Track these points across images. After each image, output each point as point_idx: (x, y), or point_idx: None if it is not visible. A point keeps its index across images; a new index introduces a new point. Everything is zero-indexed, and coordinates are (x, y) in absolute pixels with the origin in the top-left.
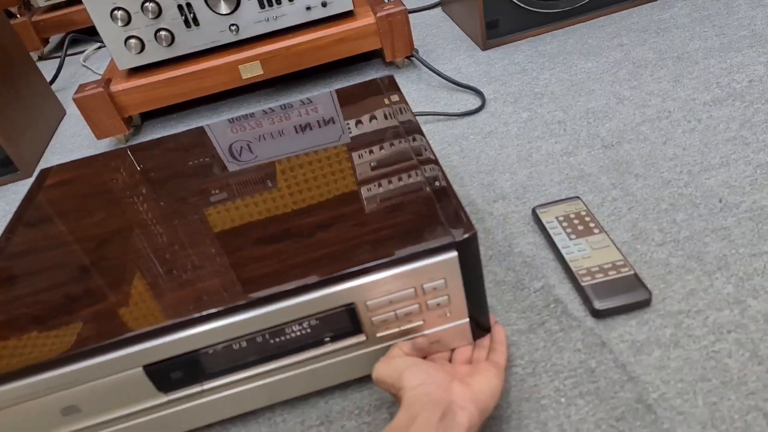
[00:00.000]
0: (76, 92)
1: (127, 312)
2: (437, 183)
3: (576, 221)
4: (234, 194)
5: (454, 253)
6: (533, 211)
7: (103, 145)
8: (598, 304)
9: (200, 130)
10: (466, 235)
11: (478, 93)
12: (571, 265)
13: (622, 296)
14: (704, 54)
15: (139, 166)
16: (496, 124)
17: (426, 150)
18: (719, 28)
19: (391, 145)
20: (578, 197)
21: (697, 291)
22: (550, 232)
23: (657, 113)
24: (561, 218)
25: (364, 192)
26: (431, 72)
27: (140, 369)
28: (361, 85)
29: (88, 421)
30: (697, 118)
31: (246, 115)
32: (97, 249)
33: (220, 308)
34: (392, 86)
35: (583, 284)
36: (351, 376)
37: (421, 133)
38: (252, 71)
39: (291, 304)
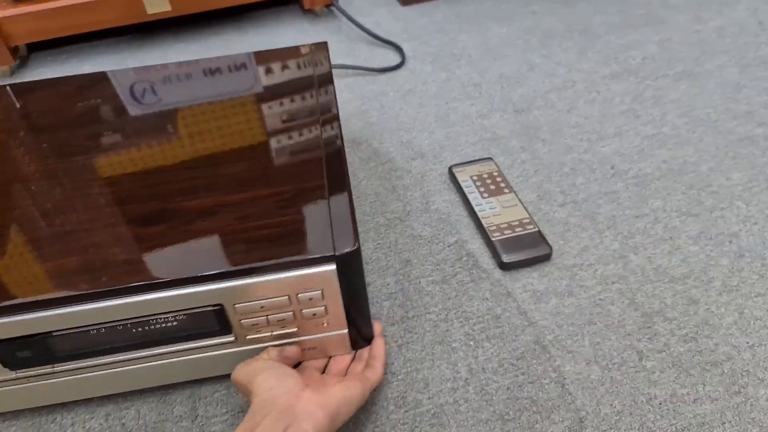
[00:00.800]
0: None
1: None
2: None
3: (488, 181)
4: (116, 149)
5: (332, 266)
6: (449, 170)
7: None
8: (506, 258)
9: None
10: (346, 250)
11: (398, 49)
12: (483, 221)
13: (527, 251)
14: (606, 29)
15: (15, 109)
16: (415, 83)
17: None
18: (620, 4)
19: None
20: (491, 158)
21: (589, 247)
22: (465, 190)
23: (563, 82)
24: (475, 178)
25: (256, 161)
26: (351, 24)
27: None
28: (289, 50)
29: None
30: (597, 90)
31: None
32: None
33: (73, 293)
34: (321, 53)
35: (493, 239)
36: (219, 372)
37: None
38: (158, 6)
39: (152, 297)
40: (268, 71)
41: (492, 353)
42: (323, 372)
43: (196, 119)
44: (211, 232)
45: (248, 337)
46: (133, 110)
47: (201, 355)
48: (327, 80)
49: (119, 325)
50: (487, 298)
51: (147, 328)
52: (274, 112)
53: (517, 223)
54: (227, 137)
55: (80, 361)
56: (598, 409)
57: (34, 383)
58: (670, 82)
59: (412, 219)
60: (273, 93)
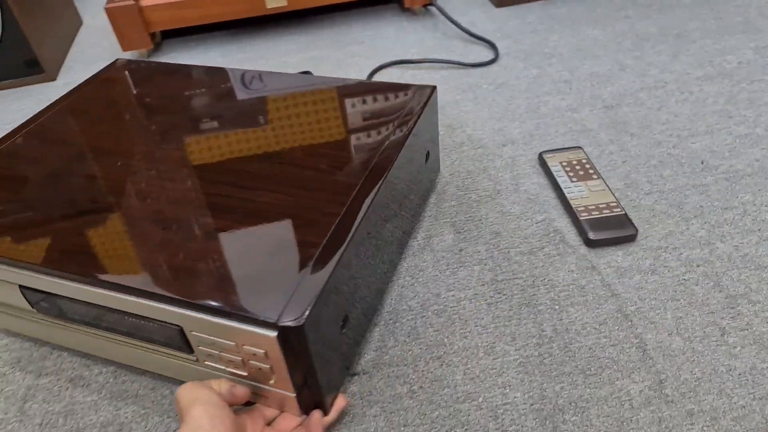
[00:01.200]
0: (108, 2)
1: (17, 239)
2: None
3: (577, 167)
4: (188, 144)
5: (273, 333)
6: (540, 155)
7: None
8: (592, 235)
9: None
10: (288, 323)
11: (492, 46)
12: (571, 202)
13: (613, 230)
14: (701, 34)
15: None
16: (507, 77)
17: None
18: (717, 12)
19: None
20: (580, 147)
21: (675, 233)
22: (554, 174)
23: (654, 82)
24: (564, 163)
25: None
26: (447, 23)
27: (17, 286)
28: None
29: None
30: (689, 90)
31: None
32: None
33: (67, 272)
34: (419, 99)
35: (580, 218)
36: (189, 379)
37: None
38: (277, 1)
39: (125, 298)
40: (358, 102)
41: (576, 317)
42: (270, 423)
43: (267, 137)
44: (197, 257)
45: (206, 362)
46: (227, 108)
47: (172, 360)
48: (403, 138)
49: (106, 309)
50: (572, 270)
51: (128, 319)
52: (334, 151)
53: (604, 205)
54: (284, 161)
55: (78, 324)
56: (678, 374)
57: (49, 323)
58: (766, 87)
59: (502, 197)
60: (347, 128)
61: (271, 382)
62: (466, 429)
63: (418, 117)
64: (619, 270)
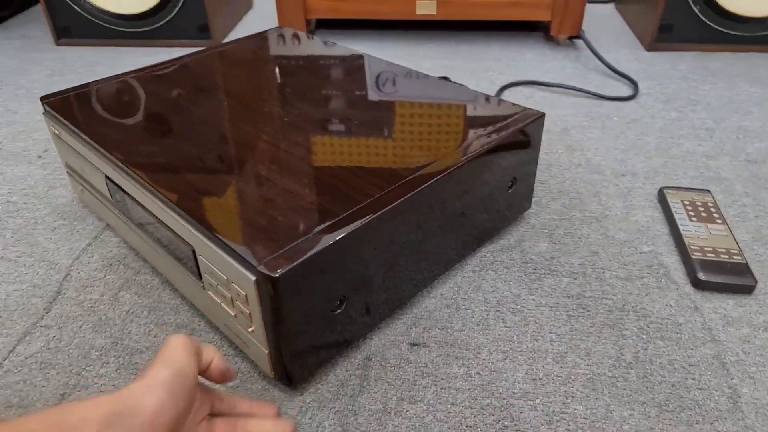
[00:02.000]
0: None
1: (114, 140)
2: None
3: (701, 209)
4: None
5: (253, 277)
6: (660, 190)
7: None
8: (702, 276)
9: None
10: (264, 269)
11: (634, 84)
12: (686, 240)
13: (728, 276)
14: None
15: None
16: (642, 115)
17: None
18: None
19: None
20: (709, 191)
21: None
22: (673, 210)
23: None
24: (687, 203)
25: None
26: (589, 56)
27: (104, 175)
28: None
29: (90, 180)
30: None
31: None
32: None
33: (135, 173)
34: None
35: (692, 257)
36: (196, 304)
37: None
38: (427, 9)
39: (157, 203)
40: (461, 107)
41: (663, 351)
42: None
43: (364, 114)
44: (230, 190)
45: (208, 291)
46: (350, 87)
47: (190, 285)
48: (476, 151)
49: (144, 209)
50: (670, 305)
51: (165, 232)
52: (407, 141)
53: (723, 250)
54: (360, 138)
55: (135, 221)
56: None
57: (121, 214)
58: None
59: (609, 222)
60: (435, 126)
61: (251, 329)
62: (515, 424)
63: (505, 137)
64: (726, 318)
